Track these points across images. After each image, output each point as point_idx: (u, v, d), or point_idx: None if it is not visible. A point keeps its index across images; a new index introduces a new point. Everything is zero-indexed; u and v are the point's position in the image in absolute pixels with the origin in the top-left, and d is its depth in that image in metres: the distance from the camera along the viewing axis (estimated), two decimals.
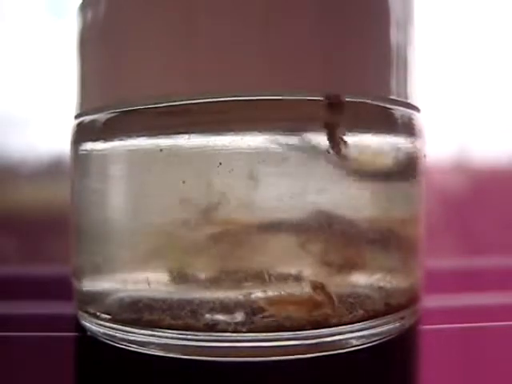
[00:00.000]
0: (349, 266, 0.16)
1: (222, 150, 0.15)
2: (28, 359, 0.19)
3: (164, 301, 0.16)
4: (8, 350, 0.19)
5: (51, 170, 0.32)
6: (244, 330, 0.15)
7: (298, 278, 0.16)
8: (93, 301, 0.18)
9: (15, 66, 0.32)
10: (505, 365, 0.19)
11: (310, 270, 0.16)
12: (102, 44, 0.17)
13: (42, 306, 0.22)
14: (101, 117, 0.17)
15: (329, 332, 0.16)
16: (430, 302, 0.19)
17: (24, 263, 0.31)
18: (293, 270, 0.16)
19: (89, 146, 0.18)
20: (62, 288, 0.19)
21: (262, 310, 0.16)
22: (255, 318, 0.16)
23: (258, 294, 0.16)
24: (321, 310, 0.16)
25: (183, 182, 0.16)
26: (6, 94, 0.32)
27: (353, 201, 0.16)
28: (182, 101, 0.16)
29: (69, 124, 0.19)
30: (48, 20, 0.33)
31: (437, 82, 0.31)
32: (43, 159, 0.33)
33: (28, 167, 0.33)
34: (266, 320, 0.15)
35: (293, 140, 0.16)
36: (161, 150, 0.16)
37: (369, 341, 0.16)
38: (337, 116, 0.16)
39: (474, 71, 0.33)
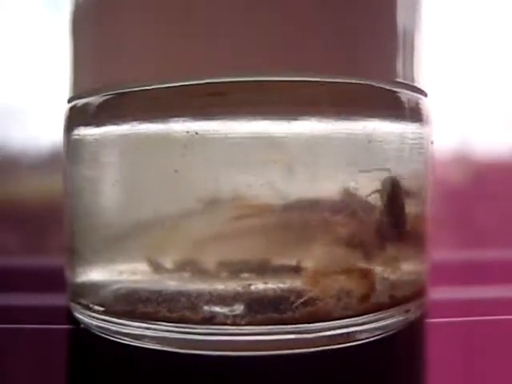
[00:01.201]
0: (355, 257, 0.16)
1: (217, 134, 0.15)
2: (21, 351, 0.18)
3: (160, 292, 0.16)
4: (7, 341, 0.19)
5: (52, 161, 0.32)
6: (243, 322, 0.15)
7: (298, 269, 0.15)
8: (86, 292, 0.17)
9: (15, 58, 0.32)
10: (509, 358, 0.19)
11: (310, 262, 0.15)
12: (96, 25, 0.17)
13: (43, 298, 0.22)
14: (94, 100, 0.17)
15: (331, 325, 0.15)
16: (434, 294, 0.19)
17: (25, 255, 0.30)
18: (293, 261, 0.15)
19: (81, 130, 0.17)
20: (64, 280, 0.18)
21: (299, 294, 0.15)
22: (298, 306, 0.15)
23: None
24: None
25: (175, 171, 0.15)
26: (6, 86, 0.32)
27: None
28: (178, 83, 0.15)
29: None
30: (47, 12, 0.33)
31: (439, 74, 0.31)
32: (44, 151, 0.33)
33: (29, 159, 0.33)
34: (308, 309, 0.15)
35: (296, 124, 0.15)
36: (182, 137, 0.15)
37: (373, 334, 0.16)
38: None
39: (477, 63, 0.33)
